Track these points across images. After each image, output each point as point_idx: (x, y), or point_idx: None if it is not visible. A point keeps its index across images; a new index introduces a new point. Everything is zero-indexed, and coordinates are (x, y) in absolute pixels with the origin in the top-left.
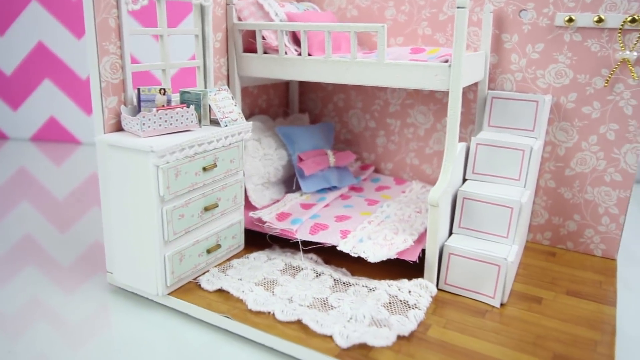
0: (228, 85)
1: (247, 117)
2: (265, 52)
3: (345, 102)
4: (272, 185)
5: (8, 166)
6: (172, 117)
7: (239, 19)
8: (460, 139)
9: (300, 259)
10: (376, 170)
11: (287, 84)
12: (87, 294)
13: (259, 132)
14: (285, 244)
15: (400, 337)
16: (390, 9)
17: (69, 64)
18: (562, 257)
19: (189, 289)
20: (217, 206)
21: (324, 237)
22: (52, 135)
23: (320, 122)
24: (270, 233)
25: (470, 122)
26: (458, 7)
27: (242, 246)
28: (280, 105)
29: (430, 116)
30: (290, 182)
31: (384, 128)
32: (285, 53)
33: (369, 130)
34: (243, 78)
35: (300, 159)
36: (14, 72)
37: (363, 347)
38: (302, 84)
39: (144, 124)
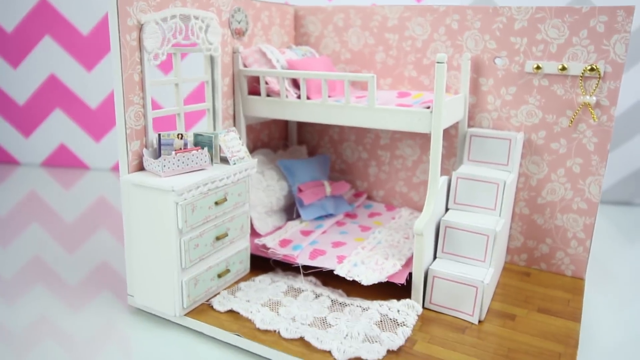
0: (234, 124)
1: (251, 151)
2: (268, 95)
3: (340, 135)
4: (275, 213)
5: (19, 190)
6: (188, 158)
7: (245, 66)
8: (444, 170)
9: (301, 282)
10: (369, 197)
11: (286, 120)
12: (104, 313)
13: (262, 165)
14: (287, 267)
15: (389, 352)
16: (380, 54)
17: (79, 95)
18: (536, 277)
19: (203, 310)
20: (227, 235)
21: (322, 262)
22: (62, 161)
23: (317, 153)
24: (274, 258)
25: (453, 155)
26: (438, 62)
27: (248, 270)
28: (281, 138)
29: (417, 149)
30: (290, 210)
31: (376, 159)
32: (286, 96)
33: (362, 161)
34: (247, 117)
35: (300, 190)
36: (26, 102)
37: None
38: None
39: (164, 165)
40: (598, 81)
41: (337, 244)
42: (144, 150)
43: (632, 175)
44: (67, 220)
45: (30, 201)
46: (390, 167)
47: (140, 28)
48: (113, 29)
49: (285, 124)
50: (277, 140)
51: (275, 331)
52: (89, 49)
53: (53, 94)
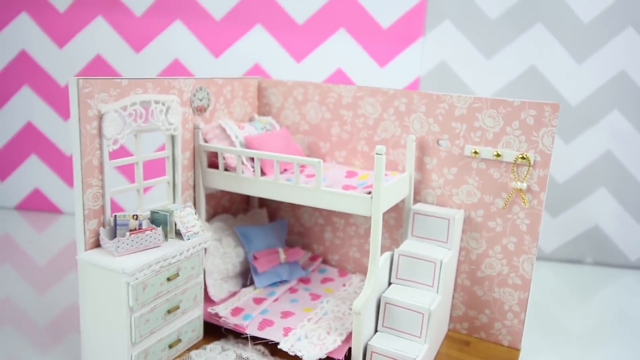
0: (194, 193)
1: (212, 217)
2: (226, 169)
3: None
4: (231, 279)
5: None
6: (142, 239)
7: (205, 141)
8: (393, 240)
9: (249, 352)
10: (324, 261)
11: None
12: None
13: (220, 232)
14: (239, 334)
15: None
16: (335, 128)
17: (54, 142)
18: (475, 346)
19: None
20: (179, 307)
21: (269, 334)
22: (36, 204)
23: (277, 216)
24: (226, 327)
25: (401, 225)
26: (377, 154)
27: (201, 336)
28: (242, 202)
29: (369, 218)
30: (246, 274)
31: (331, 225)
32: (242, 172)
33: (318, 226)
34: (207, 188)
35: (255, 258)
36: (3, 147)
37: None
38: None
39: (118, 247)
40: (528, 169)
41: (285, 314)
42: (101, 229)
43: (583, 234)
44: (39, 263)
45: (3, 243)
46: (344, 233)
47: (101, 117)
48: (74, 120)
49: None
50: (238, 203)
51: None
52: (66, 99)
53: (29, 140)
